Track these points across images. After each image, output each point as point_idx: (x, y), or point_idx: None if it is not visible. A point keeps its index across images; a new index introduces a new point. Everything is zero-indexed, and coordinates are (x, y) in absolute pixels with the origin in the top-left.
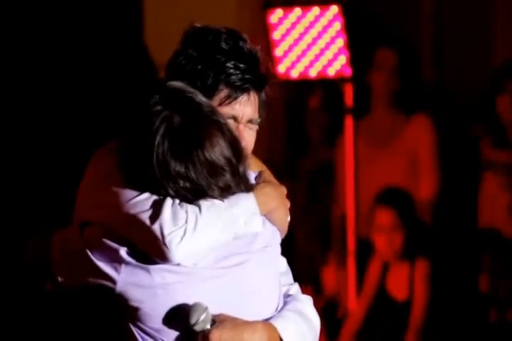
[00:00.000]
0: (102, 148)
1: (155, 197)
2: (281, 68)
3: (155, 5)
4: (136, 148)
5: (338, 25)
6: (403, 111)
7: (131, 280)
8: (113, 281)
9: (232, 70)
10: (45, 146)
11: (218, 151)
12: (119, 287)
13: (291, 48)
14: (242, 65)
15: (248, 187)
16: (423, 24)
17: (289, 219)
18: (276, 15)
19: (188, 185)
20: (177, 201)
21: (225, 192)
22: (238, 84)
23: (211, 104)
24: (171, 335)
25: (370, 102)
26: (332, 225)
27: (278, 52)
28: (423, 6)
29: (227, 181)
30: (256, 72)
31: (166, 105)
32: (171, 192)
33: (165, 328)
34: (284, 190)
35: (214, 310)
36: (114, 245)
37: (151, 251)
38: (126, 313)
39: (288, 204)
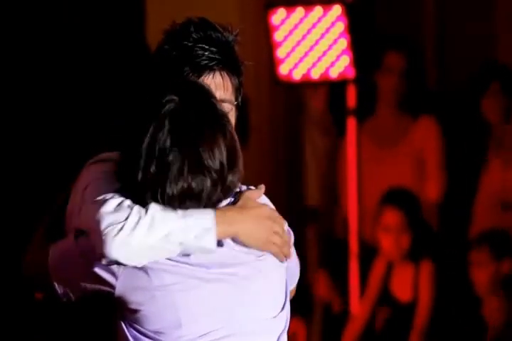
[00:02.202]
0: (92, 159)
1: (117, 196)
2: (283, 69)
3: (156, 5)
4: (134, 123)
5: (341, 26)
6: (409, 113)
7: (129, 283)
8: (112, 286)
9: (199, 52)
10: (45, 146)
11: (216, 153)
12: (118, 291)
13: (293, 49)
14: (211, 48)
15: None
16: (425, 24)
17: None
18: (278, 15)
19: (158, 169)
20: (127, 201)
21: (195, 197)
22: (202, 63)
23: (224, 110)
24: (170, 337)
25: (375, 103)
26: (335, 227)
27: (280, 53)
28: (425, 6)
29: (203, 185)
30: (225, 53)
31: (180, 97)
32: (140, 176)
33: (164, 330)
34: (264, 212)
35: (213, 313)
36: None
37: (93, 243)
38: (125, 316)
39: (275, 227)
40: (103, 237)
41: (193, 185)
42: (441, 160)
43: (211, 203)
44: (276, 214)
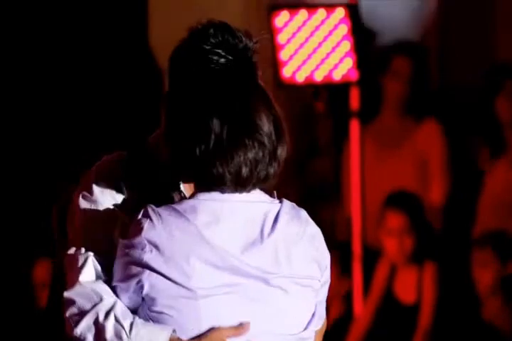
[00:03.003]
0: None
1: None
2: (286, 72)
3: (160, 8)
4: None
5: (344, 28)
6: (413, 116)
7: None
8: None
9: (213, 57)
10: (50, 149)
11: (264, 119)
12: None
13: (296, 51)
14: (225, 55)
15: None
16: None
17: None
18: (281, 17)
19: (213, 141)
20: (99, 283)
21: (252, 170)
22: (216, 69)
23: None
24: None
25: (379, 106)
26: (338, 229)
27: (283, 55)
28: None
29: (259, 152)
30: (240, 62)
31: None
32: (198, 150)
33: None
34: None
35: (233, 321)
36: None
37: None
38: (149, 318)
39: None
40: (65, 319)
41: (256, 149)
42: (446, 163)
43: (261, 179)
44: None
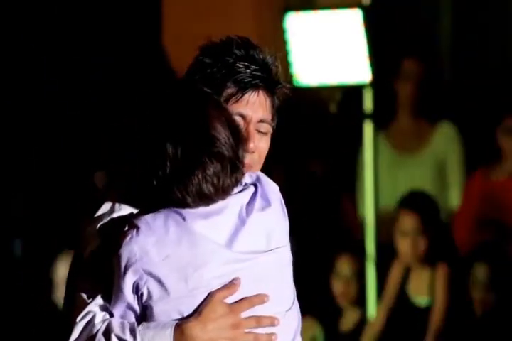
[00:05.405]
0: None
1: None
2: (300, 74)
3: (173, 9)
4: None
5: (358, 30)
6: (428, 119)
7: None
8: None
9: (241, 69)
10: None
11: (218, 125)
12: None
13: (310, 53)
14: (252, 66)
15: (238, 176)
16: (441, 24)
17: None
18: (295, 19)
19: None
20: (99, 314)
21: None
22: (246, 80)
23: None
24: None
25: (394, 109)
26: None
27: (297, 57)
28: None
29: (222, 160)
30: (266, 73)
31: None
32: (161, 172)
33: None
34: (227, 321)
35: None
36: None
37: None
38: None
39: (243, 327)
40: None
41: (214, 163)
42: (461, 163)
43: (230, 187)
44: (241, 312)
